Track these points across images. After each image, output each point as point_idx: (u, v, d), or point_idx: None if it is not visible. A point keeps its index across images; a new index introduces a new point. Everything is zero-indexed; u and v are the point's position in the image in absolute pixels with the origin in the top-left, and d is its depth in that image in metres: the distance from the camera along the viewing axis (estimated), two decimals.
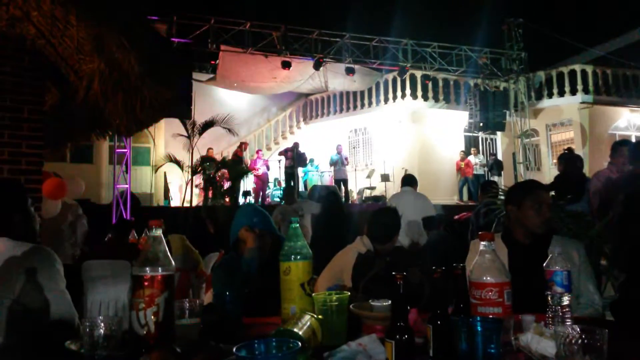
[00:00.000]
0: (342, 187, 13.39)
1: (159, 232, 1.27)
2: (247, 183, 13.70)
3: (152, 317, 1.19)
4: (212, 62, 13.14)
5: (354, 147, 16.70)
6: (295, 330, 1.20)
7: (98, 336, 1.16)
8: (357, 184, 14.75)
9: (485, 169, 14.33)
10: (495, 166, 14.25)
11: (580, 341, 0.98)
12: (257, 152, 14.59)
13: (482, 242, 1.36)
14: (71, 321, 1.72)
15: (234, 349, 0.89)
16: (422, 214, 5.66)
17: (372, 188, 14.41)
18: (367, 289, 2.08)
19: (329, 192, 8.84)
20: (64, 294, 1.76)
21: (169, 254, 1.25)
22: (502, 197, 4.60)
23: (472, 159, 14.32)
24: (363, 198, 14.11)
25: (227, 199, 12.40)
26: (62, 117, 4.67)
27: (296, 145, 13.76)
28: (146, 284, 1.20)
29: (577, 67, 14.85)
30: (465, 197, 14.38)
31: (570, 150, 7.61)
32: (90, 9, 3.35)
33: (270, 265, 1.74)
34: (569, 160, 5.16)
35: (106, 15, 3.35)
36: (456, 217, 7.38)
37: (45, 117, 4.21)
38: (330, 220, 6.40)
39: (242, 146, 13.70)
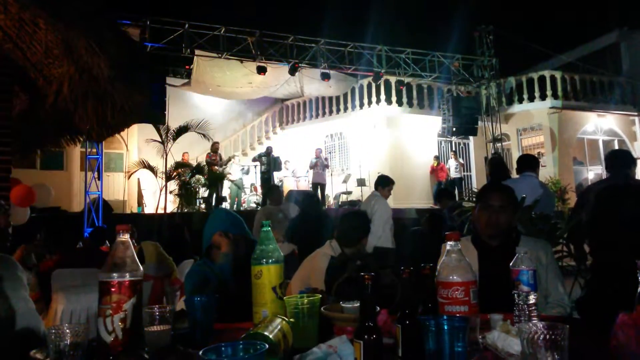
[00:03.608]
0: (319, 192, 13.39)
1: (126, 237, 1.25)
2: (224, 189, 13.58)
3: (120, 323, 1.18)
4: (187, 67, 12.98)
5: (330, 152, 16.76)
6: (266, 333, 1.19)
7: (64, 345, 1.14)
8: (334, 189, 14.79)
9: (463, 172, 14.61)
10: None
11: (542, 337, 1.00)
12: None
13: (449, 242, 1.39)
14: (37, 330, 1.69)
15: (201, 353, 0.89)
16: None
17: (348, 193, 14.47)
18: (339, 292, 2.09)
19: (308, 195, 8.84)
20: (29, 302, 1.73)
21: (136, 259, 1.23)
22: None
23: (452, 162, 14.57)
24: (339, 203, 14.15)
25: (202, 206, 12.29)
26: (31, 122, 4.56)
27: (269, 149, 13.69)
28: (113, 289, 1.19)
29: (547, 73, 15.24)
30: None
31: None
32: (59, 13, 3.28)
33: (245, 270, 1.72)
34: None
35: (75, 18, 3.30)
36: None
37: (14, 122, 4.11)
38: (308, 223, 6.41)
39: (215, 146, 13.04)
